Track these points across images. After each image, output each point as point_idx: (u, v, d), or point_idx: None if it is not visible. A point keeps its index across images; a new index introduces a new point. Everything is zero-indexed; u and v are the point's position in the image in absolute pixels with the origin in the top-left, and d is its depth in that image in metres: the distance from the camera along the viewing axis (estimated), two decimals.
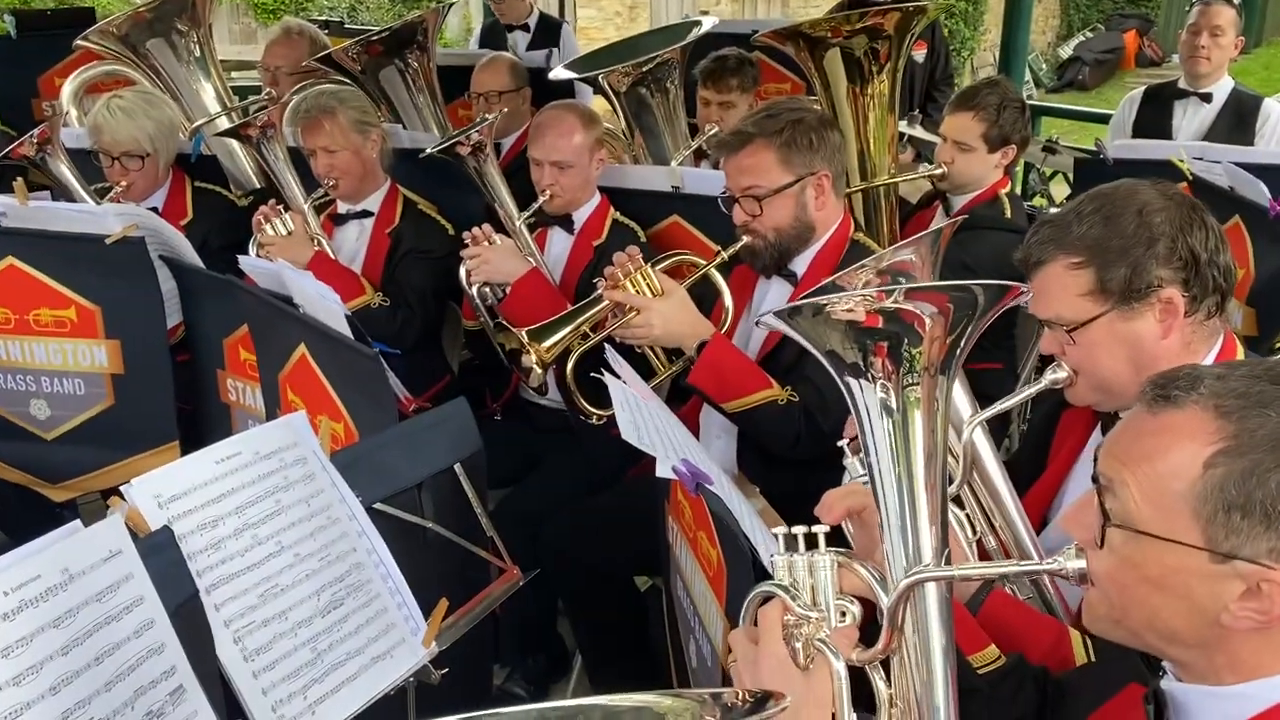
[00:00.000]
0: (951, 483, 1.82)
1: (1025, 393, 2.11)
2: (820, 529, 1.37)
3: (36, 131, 3.71)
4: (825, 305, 1.40)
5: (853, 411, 1.48)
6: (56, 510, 3.13)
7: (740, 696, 1.05)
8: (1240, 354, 2.01)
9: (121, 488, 1.63)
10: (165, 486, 1.64)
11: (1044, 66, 18.54)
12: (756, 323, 2.63)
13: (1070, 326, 1.93)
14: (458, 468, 2.15)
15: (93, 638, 1.37)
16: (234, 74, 4.37)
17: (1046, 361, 2.12)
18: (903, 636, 1.36)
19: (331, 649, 1.72)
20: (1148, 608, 1.22)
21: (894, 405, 1.42)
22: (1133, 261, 1.87)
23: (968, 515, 1.95)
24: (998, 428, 2.15)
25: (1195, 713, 1.24)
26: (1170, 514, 1.16)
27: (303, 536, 1.77)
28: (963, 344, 1.47)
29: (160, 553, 1.53)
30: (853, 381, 1.44)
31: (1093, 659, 1.70)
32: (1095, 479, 1.28)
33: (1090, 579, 1.28)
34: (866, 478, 1.52)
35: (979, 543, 1.95)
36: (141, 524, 1.56)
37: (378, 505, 1.92)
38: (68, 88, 4.36)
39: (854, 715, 1.28)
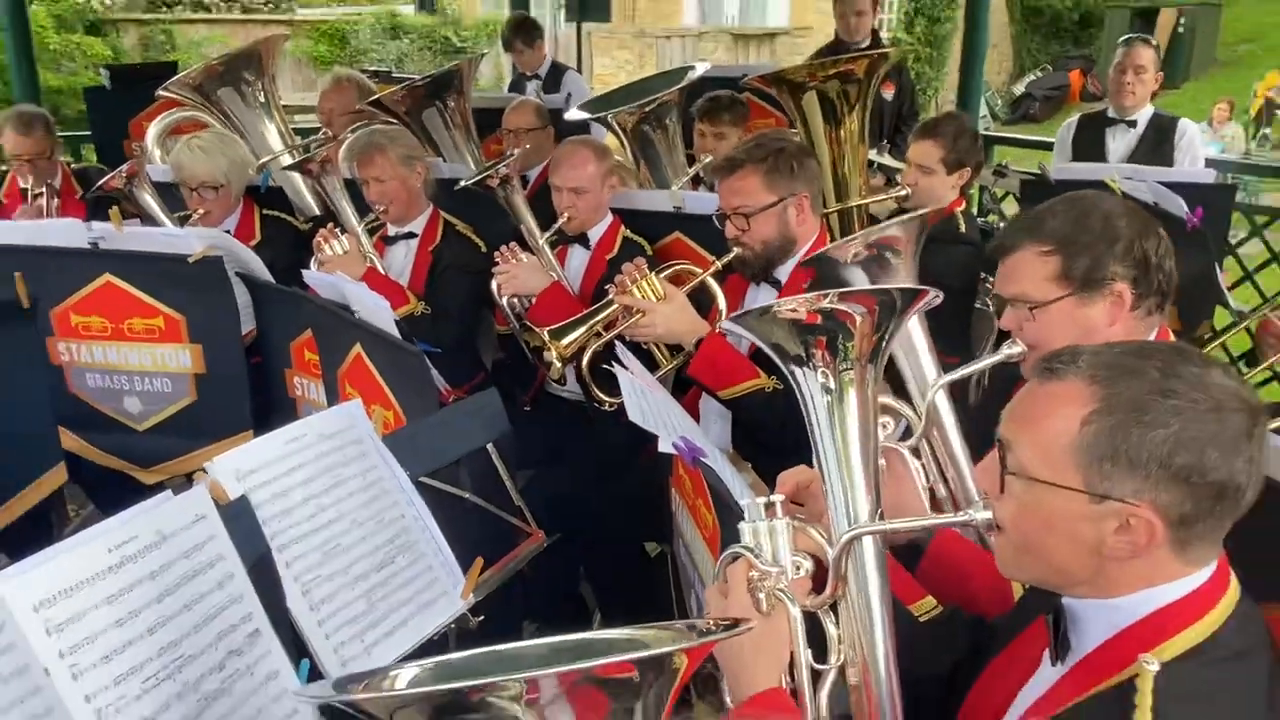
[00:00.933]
0: (911, 436, 1.85)
1: (984, 362, 2.09)
2: (778, 497, 1.38)
3: (125, 167, 3.75)
4: (771, 308, 1.43)
5: (798, 396, 1.49)
6: (147, 491, 3.11)
7: (712, 624, 1.12)
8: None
9: (205, 464, 1.67)
10: (242, 463, 1.66)
11: (999, 102, 18.53)
12: (721, 328, 2.66)
13: (1034, 305, 1.92)
14: (490, 447, 2.15)
15: (182, 588, 1.40)
16: (297, 117, 4.41)
17: (1004, 339, 2.11)
18: (846, 584, 1.39)
19: (384, 599, 1.73)
20: (1044, 548, 1.27)
21: (832, 388, 1.44)
22: (1095, 255, 1.87)
23: (923, 465, 1.95)
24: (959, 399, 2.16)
25: (1087, 622, 1.28)
26: (1056, 465, 1.21)
27: (359, 505, 1.78)
28: (888, 337, 1.49)
29: (238, 518, 1.55)
30: (796, 370, 1.47)
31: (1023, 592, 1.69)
32: (998, 439, 1.32)
33: (997, 525, 1.31)
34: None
35: (931, 490, 1.95)
36: (222, 494, 1.58)
37: (422, 478, 1.93)
38: (152, 130, 4.39)
39: (809, 651, 1.33)
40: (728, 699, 1.36)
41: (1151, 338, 1.94)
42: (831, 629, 1.39)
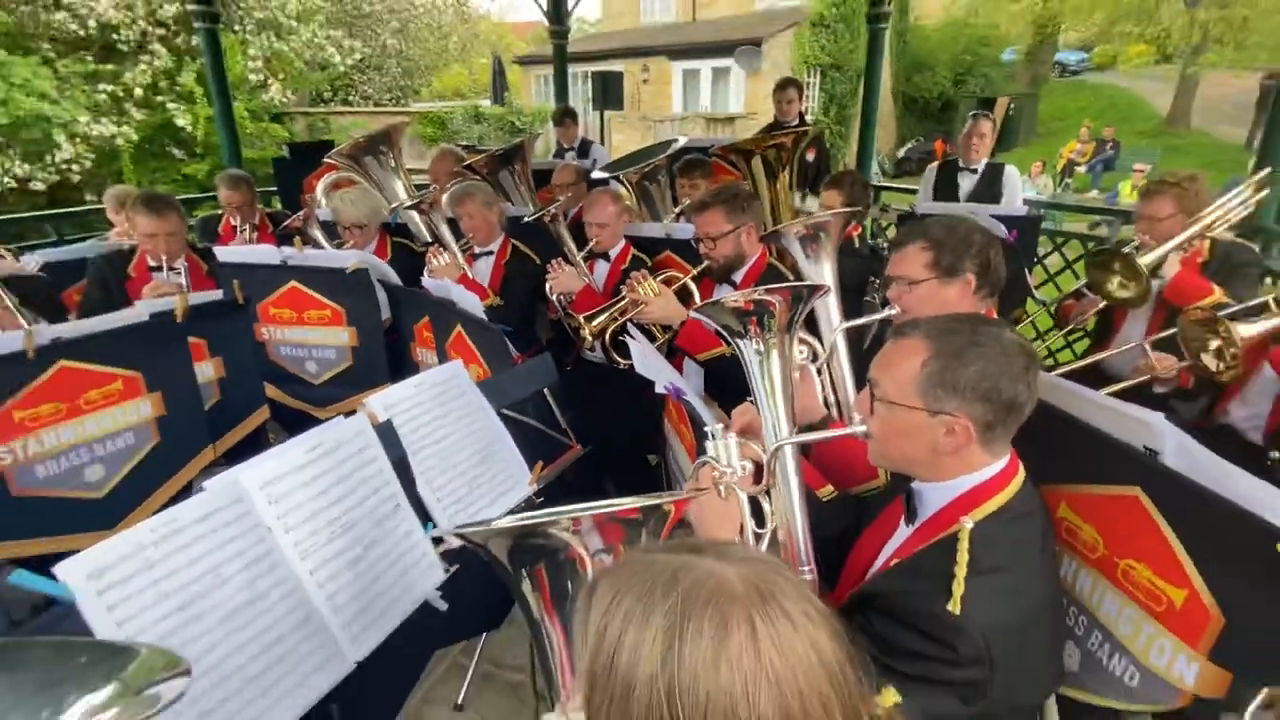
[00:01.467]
0: (817, 359, 1.80)
1: (873, 317, 2.00)
2: (735, 425, 1.43)
3: (302, 213, 3.75)
4: (718, 301, 1.43)
5: (739, 356, 1.48)
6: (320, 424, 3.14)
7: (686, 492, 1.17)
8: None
9: (363, 400, 1.64)
10: (387, 399, 1.65)
11: (887, 163, 18.23)
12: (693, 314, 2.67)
13: (911, 281, 1.86)
14: (545, 391, 2.15)
15: (352, 475, 1.40)
16: (414, 176, 4.40)
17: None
18: (775, 478, 1.38)
19: (479, 486, 1.71)
20: (900, 448, 1.27)
21: (762, 351, 1.43)
22: (956, 254, 1.82)
23: (824, 382, 1.90)
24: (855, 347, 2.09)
25: (928, 496, 1.29)
26: (906, 393, 1.22)
27: (464, 425, 1.76)
28: (798, 316, 1.47)
29: (385, 433, 1.56)
30: (739, 340, 1.45)
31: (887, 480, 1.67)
32: (869, 378, 1.32)
33: (870, 434, 1.31)
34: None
35: (826, 400, 1.89)
36: (375, 419, 1.58)
37: (502, 410, 1.91)
38: (319, 186, 4.39)
39: (752, 521, 1.33)
40: None
41: (983, 311, 1.87)
42: (766, 507, 1.39)
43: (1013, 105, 18.18)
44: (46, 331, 2.04)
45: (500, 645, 2.57)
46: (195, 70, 10.86)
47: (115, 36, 10.34)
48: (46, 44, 10.02)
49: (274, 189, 5.81)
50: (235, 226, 4.22)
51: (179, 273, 3.20)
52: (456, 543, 1.47)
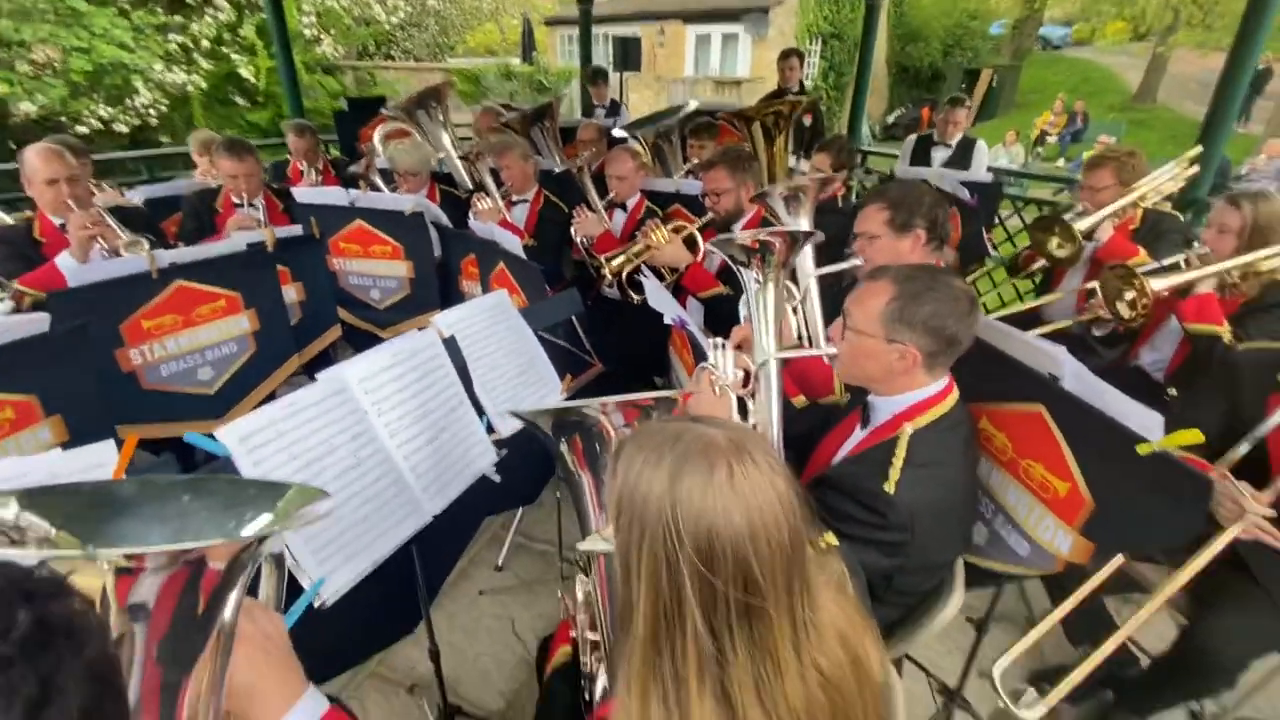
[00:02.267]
0: (794, 298, 1.87)
1: (840, 266, 2.01)
2: (731, 341, 1.44)
3: (363, 162, 3.78)
4: (733, 236, 1.47)
5: (742, 283, 1.52)
6: (383, 342, 3.21)
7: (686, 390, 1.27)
8: None
9: (431, 319, 1.70)
10: (449, 318, 1.70)
11: (876, 128, 17.69)
12: (707, 251, 2.63)
13: (872, 236, 1.90)
14: (573, 318, 2.20)
15: (425, 377, 1.50)
16: (456, 130, 4.38)
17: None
18: (759, 384, 1.45)
19: (522, 389, 1.77)
20: (862, 366, 1.35)
21: (760, 280, 1.48)
22: (909, 212, 1.85)
23: (798, 318, 1.97)
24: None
25: (880, 406, 1.37)
26: (871, 324, 1.29)
27: (509, 341, 1.81)
28: (793, 255, 1.50)
29: (450, 346, 1.63)
30: (743, 269, 1.49)
31: (846, 394, 1.77)
32: (844, 310, 1.38)
33: (838, 355, 1.40)
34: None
35: (799, 334, 1.96)
36: (442, 334, 1.65)
37: (539, 332, 1.95)
38: (376, 135, 4.35)
39: (738, 415, 1.38)
40: None
41: (931, 263, 1.92)
42: (750, 405, 1.45)
43: (995, 77, 17.46)
44: (165, 256, 2.17)
45: (532, 523, 2.79)
46: (255, 23, 10.54)
47: None
48: None
49: (334, 138, 5.79)
50: (302, 170, 4.27)
51: (258, 209, 3.27)
52: (508, 432, 1.63)
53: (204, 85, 9.99)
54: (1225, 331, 2.09)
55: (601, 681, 1.11)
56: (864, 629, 0.81)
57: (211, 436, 1.14)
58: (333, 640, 1.54)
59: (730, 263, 1.53)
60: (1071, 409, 1.28)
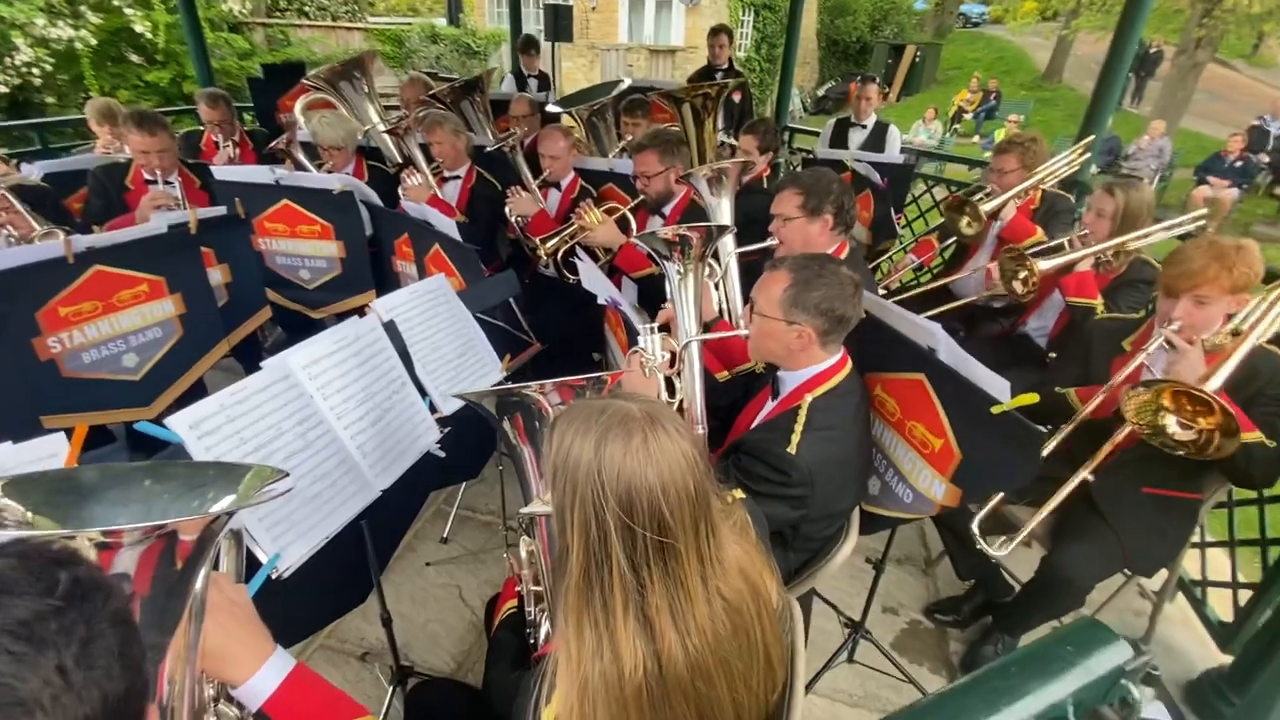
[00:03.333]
0: (716, 274, 1.92)
1: (758, 245, 2.11)
2: (657, 324, 1.56)
3: (285, 136, 3.58)
4: (655, 232, 1.57)
5: (665, 274, 1.63)
6: (315, 323, 3.09)
7: (616, 372, 1.39)
8: (846, 250, 2.09)
9: (369, 304, 1.71)
10: (389, 303, 1.73)
11: (808, 100, 18.07)
12: (631, 241, 2.67)
13: (786, 218, 2.01)
14: (511, 300, 2.24)
15: (368, 361, 1.55)
16: (381, 99, 4.23)
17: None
18: (684, 363, 1.57)
19: (463, 369, 1.83)
20: (767, 345, 1.49)
21: (681, 271, 1.60)
22: (819, 197, 1.97)
23: (719, 295, 2.08)
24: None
25: (786, 380, 1.51)
26: (773, 307, 1.43)
27: (447, 324, 1.86)
28: (709, 247, 1.61)
29: (390, 329, 1.67)
30: (665, 261, 1.60)
31: (762, 370, 1.88)
32: (750, 297, 1.50)
33: (749, 337, 1.53)
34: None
35: (720, 308, 2.04)
36: (382, 318, 1.67)
37: (477, 314, 1.99)
38: (297, 107, 4.16)
39: (666, 394, 1.50)
40: None
41: (836, 247, 2.06)
42: (677, 384, 1.58)
43: (919, 53, 18.08)
44: (82, 240, 2.10)
45: (474, 496, 2.89)
46: None
47: None
48: None
49: (249, 104, 5.49)
50: (217, 143, 4.06)
51: (174, 186, 3.15)
52: (450, 411, 1.72)
53: (93, 41, 9.11)
54: (1099, 304, 2.39)
55: (545, 628, 1.26)
56: (763, 564, 0.98)
57: (162, 424, 1.19)
58: (287, 613, 1.62)
59: (653, 253, 1.64)
60: (945, 376, 1.50)
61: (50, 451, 1.07)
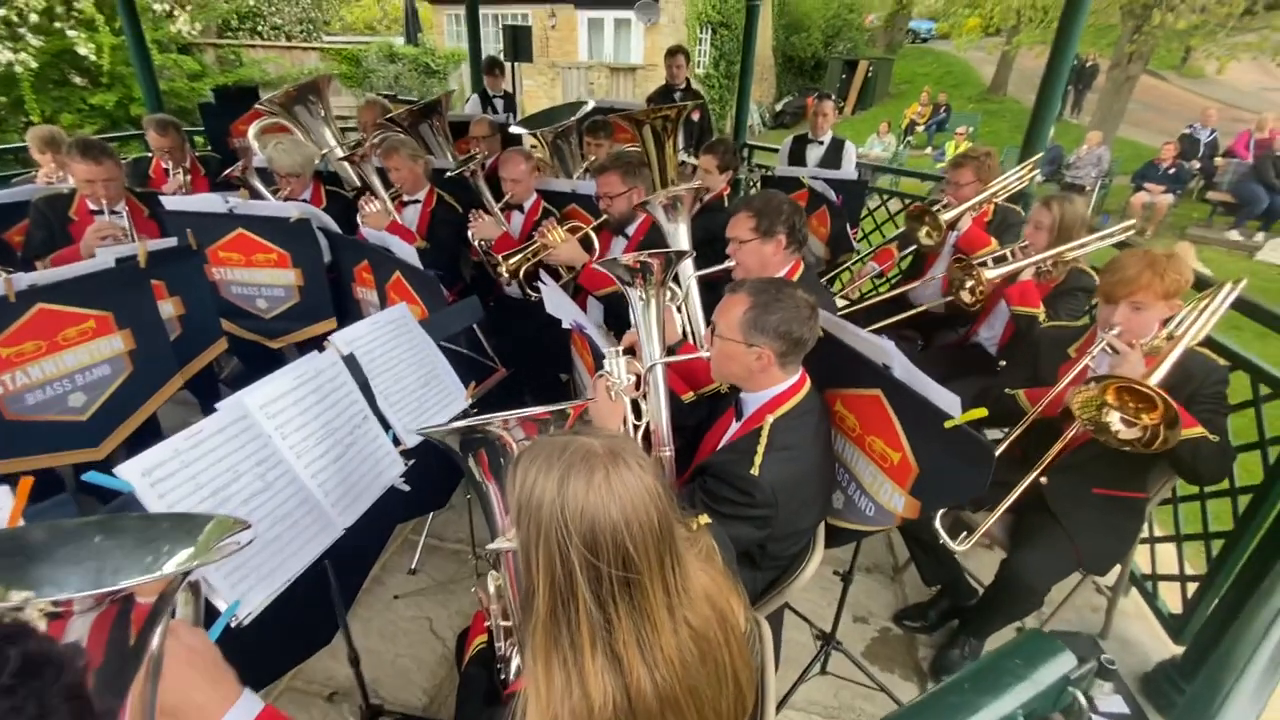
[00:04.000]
0: (678, 298, 1.99)
1: (717, 268, 2.17)
2: (621, 347, 1.57)
3: (240, 163, 3.48)
4: (619, 260, 1.58)
5: (628, 299, 1.65)
6: (274, 353, 3.06)
7: (585, 401, 1.42)
8: (800, 269, 2.15)
9: (328, 337, 1.66)
10: (349, 336, 1.70)
11: (766, 115, 18.45)
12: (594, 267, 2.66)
13: (741, 240, 2.06)
14: (475, 326, 2.21)
15: (328, 396, 1.52)
16: (338, 121, 4.17)
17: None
18: (648, 385, 1.59)
19: (427, 400, 1.80)
20: (728, 367, 1.52)
21: (644, 297, 1.62)
22: (771, 219, 2.02)
23: (682, 317, 2.13)
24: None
25: (748, 401, 1.54)
26: (733, 330, 1.46)
27: (411, 355, 1.82)
28: (670, 272, 1.63)
29: (350, 363, 1.64)
30: (627, 287, 1.62)
31: (725, 390, 1.90)
32: (711, 321, 1.53)
33: (711, 359, 1.55)
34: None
35: (683, 329, 2.09)
36: (341, 351, 1.64)
37: (440, 342, 1.96)
38: (251, 131, 4.07)
39: (633, 417, 1.52)
40: None
41: (790, 265, 2.13)
42: (643, 406, 1.60)
43: (871, 69, 18.67)
44: (24, 278, 2.03)
45: (442, 525, 2.85)
46: None
47: None
48: None
49: (199, 128, 5.37)
50: (167, 170, 3.97)
51: (121, 216, 3.06)
52: (414, 443, 1.70)
53: (34, 64, 8.81)
54: (1041, 312, 2.50)
55: (516, 663, 1.25)
56: (729, 589, 1.00)
57: (111, 473, 1.16)
58: (249, 658, 1.57)
59: (616, 279, 1.66)
60: (900, 393, 1.55)
61: None
